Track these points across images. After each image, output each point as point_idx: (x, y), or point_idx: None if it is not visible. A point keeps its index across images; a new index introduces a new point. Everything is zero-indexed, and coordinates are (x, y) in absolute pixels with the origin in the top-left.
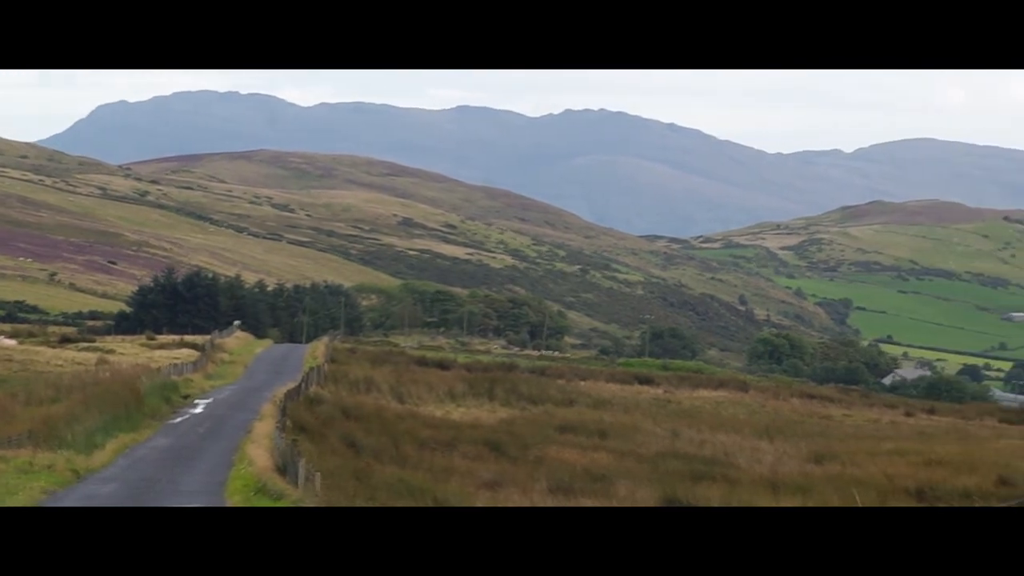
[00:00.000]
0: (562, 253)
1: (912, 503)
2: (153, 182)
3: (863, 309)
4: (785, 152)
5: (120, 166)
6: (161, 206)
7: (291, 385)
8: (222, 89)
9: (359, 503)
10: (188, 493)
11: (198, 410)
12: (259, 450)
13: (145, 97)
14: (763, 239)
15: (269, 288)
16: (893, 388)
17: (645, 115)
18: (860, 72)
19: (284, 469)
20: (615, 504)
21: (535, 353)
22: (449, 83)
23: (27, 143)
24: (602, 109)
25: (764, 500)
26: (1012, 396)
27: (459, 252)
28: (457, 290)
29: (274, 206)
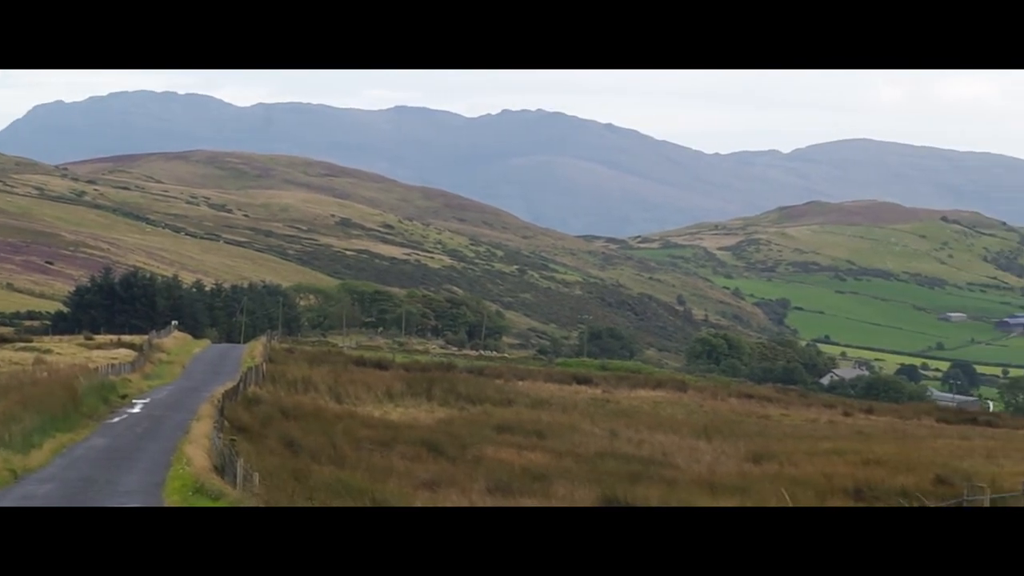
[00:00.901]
0: (500, 253)
1: (850, 503)
2: (90, 182)
3: (801, 309)
4: (723, 152)
5: (57, 166)
6: (98, 206)
7: (229, 385)
8: (159, 89)
9: (298, 503)
10: (126, 493)
11: (136, 410)
12: (197, 450)
13: (81, 97)
14: (701, 239)
15: (207, 288)
16: (831, 388)
17: (583, 115)
18: (798, 73)
19: (222, 469)
20: (554, 504)
21: (473, 353)
22: (385, 83)
23: None
24: (539, 109)
25: (702, 500)
26: (949, 396)
27: (397, 252)
28: (395, 290)
29: (211, 206)
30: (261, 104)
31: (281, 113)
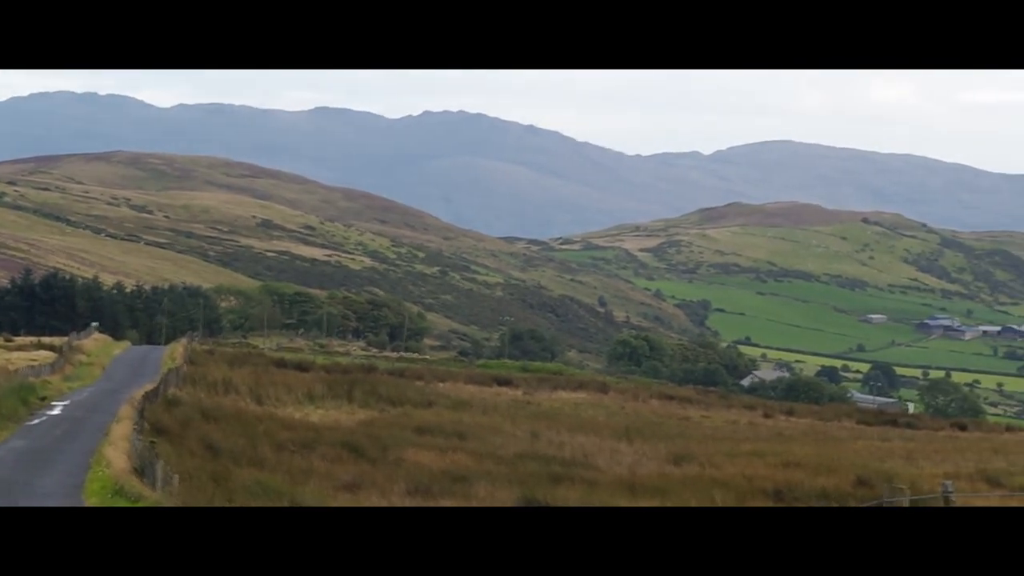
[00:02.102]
0: (421, 255)
1: (770, 504)
2: (10, 183)
3: (722, 311)
4: (644, 154)
5: None
6: (18, 207)
7: (149, 387)
8: (80, 90)
9: (217, 505)
10: (45, 495)
11: (56, 412)
12: (117, 452)
13: (3, 98)
14: (622, 241)
15: (127, 290)
16: (752, 390)
17: (504, 117)
18: (719, 74)
19: (142, 471)
20: (475, 505)
21: (394, 355)
22: (306, 85)
23: None
24: (461, 111)
25: (623, 501)
26: (870, 398)
27: (318, 254)
28: (316, 292)
29: (132, 207)
30: (182, 105)
31: (202, 114)
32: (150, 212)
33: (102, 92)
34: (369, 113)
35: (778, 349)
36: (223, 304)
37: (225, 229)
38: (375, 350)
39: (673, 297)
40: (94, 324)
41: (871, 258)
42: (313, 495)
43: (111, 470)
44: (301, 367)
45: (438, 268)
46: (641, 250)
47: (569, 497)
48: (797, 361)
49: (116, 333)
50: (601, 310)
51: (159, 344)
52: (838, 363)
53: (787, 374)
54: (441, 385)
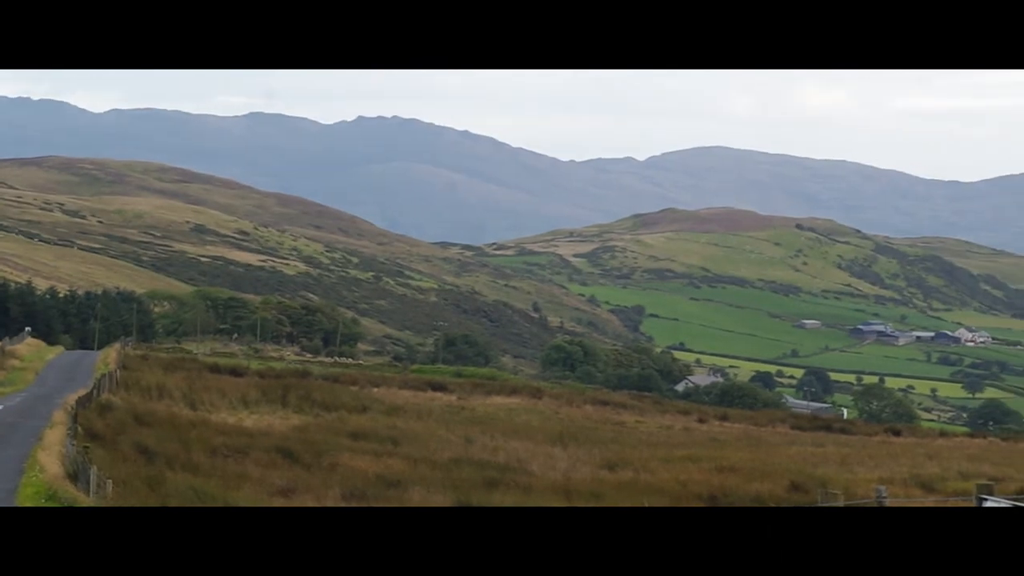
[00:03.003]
0: (355, 260)
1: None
2: None
3: (656, 316)
4: (579, 160)
5: None
6: None
7: (83, 392)
8: (12, 95)
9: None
10: None
11: None
12: (50, 457)
13: None
14: (556, 246)
15: (60, 295)
16: (686, 395)
17: (439, 122)
18: (653, 79)
19: (76, 476)
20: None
21: (328, 360)
22: (240, 90)
23: None
24: (395, 116)
25: (558, 506)
26: (804, 403)
27: (252, 259)
28: (250, 297)
29: (65, 212)
30: (115, 110)
31: (136, 119)
32: (83, 217)
33: (35, 97)
34: (303, 118)
35: (712, 354)
36: (157, 309)
37: (158, 234)
38: (309, 355)
39: (607, 303)
40: (27, 329)
41: (805, 264)
42: (247, 500)
43: (45, 475)
44: (235, 372)
45: (372, 273)
46: (575, 256)
47: (504, 502)
48: (731, 366)
49: (49, 338)
50: (535, 315)
51: (92, 349)
52: (772, 368)
53: (721, 379)
54: (375, 390)
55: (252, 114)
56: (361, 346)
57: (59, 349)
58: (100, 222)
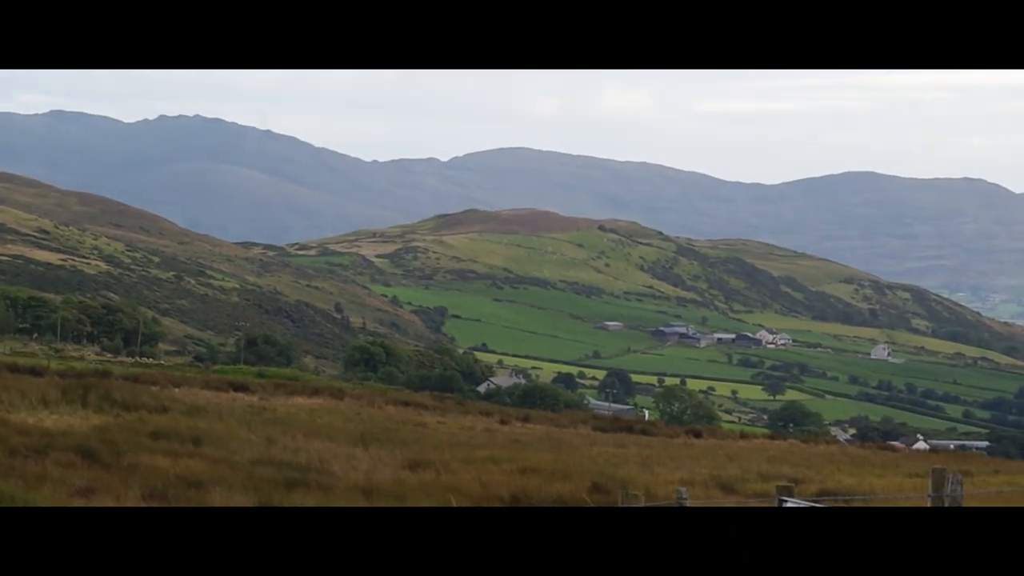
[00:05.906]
0: (156, 259)
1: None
2: None
3: (458, 317)
4: (382, 160)
5: None
6: None
7: None
8: None
9: None
10: None
11: None
12: None
13: None
14: (359, 247)
15: None
16: (488, 396)
17: (241, 122)
18: (456, 80)
19: None
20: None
21: (129, 360)
22: (40, 88)
23: None
24: (197, 115)
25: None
26: (606, 404)
27: (52, 258)
28: (50, 296)
29: None
30: None
31: None
32: None
33: None
34: (105, 117)
35: (515, 356)
36: None
37: None
38: (110, 355)
39: (410, 303)
40: None
41: (607, 265)
42: (47, 500)
43: None
44: (35, 372)
45: (173, 273)
46: (378, 256)
47: (305, 502)
48: (534, 368)
49: None
50: (337, 316)
51: None
52: (574, 370)
53: (523, 380)
54: (176, 391)
55: (53, 112)
56: (162, 346)
57: None
58: None
